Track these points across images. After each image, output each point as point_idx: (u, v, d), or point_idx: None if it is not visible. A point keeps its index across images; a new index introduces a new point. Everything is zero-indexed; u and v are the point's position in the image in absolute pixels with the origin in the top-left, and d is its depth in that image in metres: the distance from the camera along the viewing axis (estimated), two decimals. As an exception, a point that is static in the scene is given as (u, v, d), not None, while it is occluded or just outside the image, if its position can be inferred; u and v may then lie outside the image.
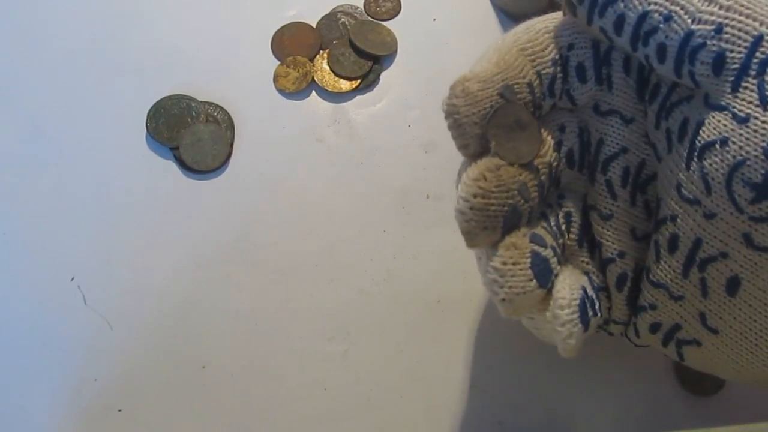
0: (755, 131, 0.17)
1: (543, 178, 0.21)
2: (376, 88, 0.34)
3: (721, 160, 0.18)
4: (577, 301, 0.20)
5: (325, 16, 0.35)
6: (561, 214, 0.22)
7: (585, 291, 0.21)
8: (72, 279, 0.29)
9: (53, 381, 0.28)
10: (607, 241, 0.22)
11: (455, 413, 0.28)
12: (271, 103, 0.33)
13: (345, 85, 0.34)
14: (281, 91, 0.34)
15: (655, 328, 0.22)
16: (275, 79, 0.34)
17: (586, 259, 0.23)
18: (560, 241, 0.22)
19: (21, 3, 0.35)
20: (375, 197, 0.31)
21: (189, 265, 0.30)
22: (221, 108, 0.33)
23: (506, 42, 0.21)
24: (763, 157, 0.17)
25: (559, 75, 0.21)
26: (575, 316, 0.20)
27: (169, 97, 0.33)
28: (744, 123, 0.18)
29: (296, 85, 0.33)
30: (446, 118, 0.20)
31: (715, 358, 0.21)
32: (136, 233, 0.30)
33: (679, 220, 0.20)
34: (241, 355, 0.28)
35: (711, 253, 0.19)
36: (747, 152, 0.17)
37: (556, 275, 0.21)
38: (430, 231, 0.31)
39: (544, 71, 0.21)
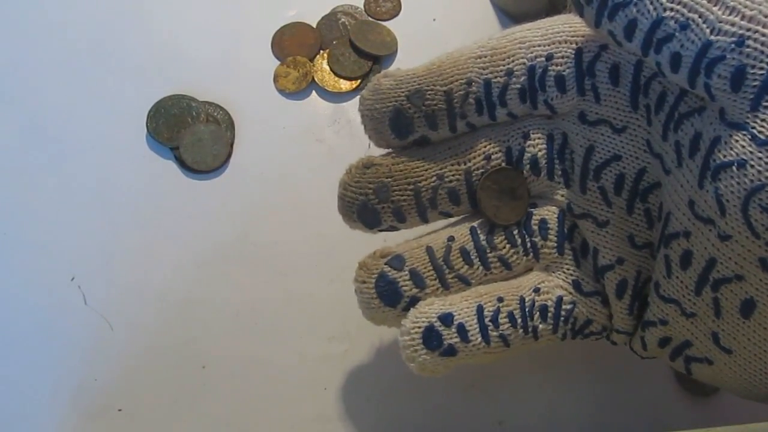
0: None
1: (453, 184, 0.22)
2: (376, 88, 0.34)
3: (738, 183, 0.17)
4: (420, 329, 0.21)
5: (325, 16, 0.35)
6: (534, 222, 0.22)
7: (446, 318, 0.21)
8: (72, 279, 0.29)
9: (53, 381, 0.28)
10: (604, 248, 0.22)
11: (455, 413, 0.28)
12: (271, 103, 0.33)
13: (345, 85, 0.34)
14: (281, 91, 0.34)
15: (664, 342, 0.21)
16: (275, 79, 0.34)
17: (571, 267, 0.22)
18: (491, 255, 0.22)
19: (21, 3, 0.35)
20: (375, 197, 0.31)
21: (189, 264, 0.30)
22: (221, 108, 0.33)
23: (464, 48, 0.21)
24: None
25: (516, 86, 0.21)
26: (415, 342, 0.21)
27: (169, 97, 0.33)
28: (764, 146, 0.17)
29: (296, 85, 0.33)
30: (358, 108, 0.22)
31: (726, 377, 0.21)
32: (136, 233, 0.30)
33: (692, 237, 0.19)
34: (241, 355, 0.28)
35: (725, 274, 0.19)
36: (767, 177, 0.17)
37: (412, 298, 0.22)
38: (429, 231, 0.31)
39: (493, 80, 0.21)
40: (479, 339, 0.21)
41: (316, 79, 0.34)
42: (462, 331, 0.21)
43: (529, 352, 0.23)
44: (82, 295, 0.29)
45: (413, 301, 0.22)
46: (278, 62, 0.34)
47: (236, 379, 0.28)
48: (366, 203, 0.22)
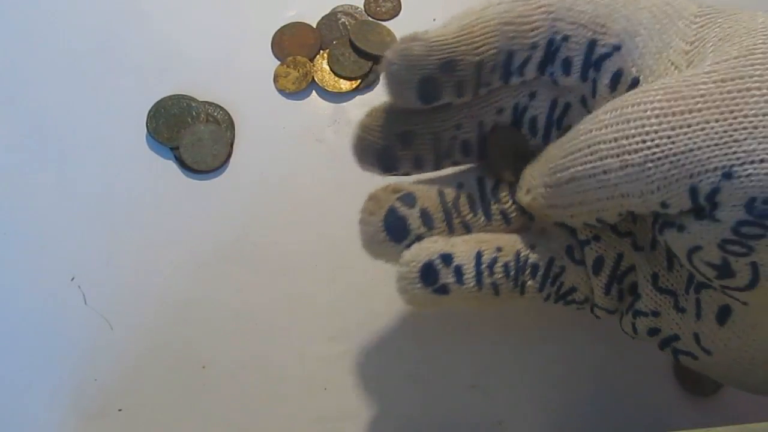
0: None
1: (468, 135, 0.22)
2: (376, 88, 0.34)
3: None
4: (419, 264, 0.21)
5: (325, 16, 0.35)
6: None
7: (447, 258, 0.21)
8: (72, 279, 0.29)
9: (53, 381, 0.28)
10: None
11: (455, 413, 0.28)
12: (271, 103, 0.33)
13: (345, 85, 0.34)
14: (281, 91, 0.34)
15: (653, 332, 0.22)
16: (275, 79, 0.34)
17: (566, 233, 0.23)
18: (490, 207, 0.23)
19: (21, 3, 0.35)
20: (375, 197, 0.31)
21: (189, 265, 0.30)
22: (221, 108, 0.33)
23: (492, 10, 0.20)
24: None
25: (537, 59, 0.21)
26: (413, 275, 0.21)
27: (169, 97, 0.33)
28: None
29: (296, 85, 0.33)
30: (380, 69, 0.21)
31: (709, 371, 0.21)
32: (136, 233, 0.30)
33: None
34: (241, 355, 0.28)
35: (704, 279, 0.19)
36: None
37: (418, 237, 0.22)
38: (430, 231, 0.31)
39: (518, 52, 0.21)
40: (473, 283, 0.22)
41: (316, 79, 0.34)
42: (458, 272, 0.21)
43: (512, 305, 0.23)
44: (82, 295, 0.29)
45: (418, 240, 0.22)
46: (278, 62, 0.34)
47: (236, 379, 0.28)
48: (388, 148, 0.22)
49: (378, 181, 0.31)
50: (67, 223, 0.30)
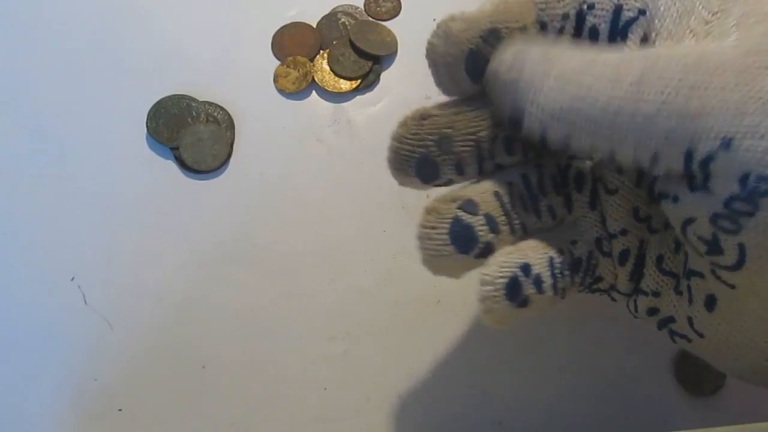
0: None
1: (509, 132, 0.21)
2: (376, 88, 0.34)
3: (727, 163, 0.17)
4: (505, 280, 0.20)
5: (325, 16, 0.35)
6: (571, 174, 0.22)
7: (526, 269, 0.21)
8: (72, 279, 0.29)
9: (53, 381, 0.28)
10: (611, 216, 0.22)
11: (455, 413, 0.28)
12: (271, 103, 0.33)
13: (345, 85, 0.34)
14: (281, 91, 0.34)
15: (652, 312, 0.22)
16: (275, 79, 0.34)
17: (598, 224, 0.22)
18: (539, 204, 0.22)
19: (21, 2, 0.35)
20: (375, 197, 0.31)
21: (189, 265, 0.30)
22: (221, 108, 0.33)
23: None
24: None
25: (569, 31, 0.21)
26: (498, 293, 0.20)
27: (169, 97, 0.33)
28: None
29: (296, 85, 0.33)
30: (426, 56, 0.20)
31: (704, 354, 0.21)
32: (136, 233, 0.30)
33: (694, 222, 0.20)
34: (241, 355, 0.28)
35: (695, 267, 0.19)
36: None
37: (486, 243, 0.21)
38: (430, 231, 0.31)
39: (551, 23, 0.20)
40: (551, 291, 0.21)
41: (316, 79, 0.34)
42: (538, 282, 0.21)
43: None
44: (82, 295, 0.29)
45: (487, 247, 0.21)
46: (278, 62, 0.34)
47: (236, 379, 0.28)
48: (427, 156, 0.21)
49: (378, 181, 0.31)
50: (67, 223, 0.30)
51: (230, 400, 0.28)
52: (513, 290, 0.20)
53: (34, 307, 0.29)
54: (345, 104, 0.33)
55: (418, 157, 0.21)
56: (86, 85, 0.33)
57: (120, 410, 0.27)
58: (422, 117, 0.21)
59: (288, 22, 0.35)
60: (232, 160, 0.32)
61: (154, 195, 0.31)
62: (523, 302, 0.21)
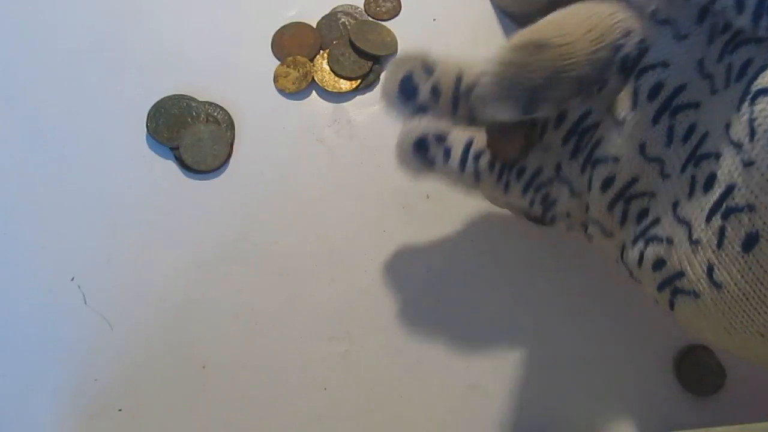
0: None
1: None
2: (376, 88, 0.34)
3: None
4: (417, 135, 0.25)
5: (325, 16, 0.35)
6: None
7: (440, 138, 0.25)
8: (72, 279, 0.29)
9: (53, 381, 0.28)
10: (609, 142, 0.22)
11: (455, 413, 0.28)
12: (271, 103, 0.33)
13: (345, 85, 0.34)
14: (281, 91, 0.34)
15: (658, 265, 0.22)
16: (275, 79, 0.34)
17: (565, 152, 0.24)
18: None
19: (21, 2, 0.35)
20: (375, 197, 0.31)
21: (189, 265, 0.30)
22: (221, 108, 0.33)
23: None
24: None
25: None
26: (408, 143, 0.25)
27: (169, 97, 0.33)
28: None
29: (296, 85, 0.33)
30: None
31: (707, 315, 0.21)
32: (136, 233, 0.30)
33: (721, 159, 0.20)
34: (241, 355, 0.28)
35: (739, 202, 0.19)
36: None
37: (423, 104, 0.25)
38: (430, 231, 0.31)
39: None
40: (456, 165, 0.25)
41: (316, 79, 0.34)
42: (447, 153, 0.25)
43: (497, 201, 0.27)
44: (82, 295, 0.29)
45: (422, 108, 0.25)
46: (278, 62, 0.34)
47: (236, 379, 0.28)
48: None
49: (378, 181, 0.32)
50: (67, 223, 0.30)
51: (230, 400, 0.28)
52: (420, 146, 0.25)
53: (34, 307, 0.29)
54: (345, 104, 0.33)
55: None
56: (86, 85, 0.33)
57: (120, 410, 0.27)
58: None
59: (288, 22, 0.35)
60: (232, 160, 0.32)
61: (154, 195, 0.31)
62: (428, 162, 0.25)
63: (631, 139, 0.22)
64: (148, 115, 0.32)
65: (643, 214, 0.22)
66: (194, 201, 0.31)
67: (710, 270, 0.20)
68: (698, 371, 0.28)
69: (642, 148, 0.22)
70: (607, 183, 0.22)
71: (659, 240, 0.21)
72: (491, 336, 0.29)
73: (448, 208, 0.31)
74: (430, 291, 0.29)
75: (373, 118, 0.33)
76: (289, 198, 0.31)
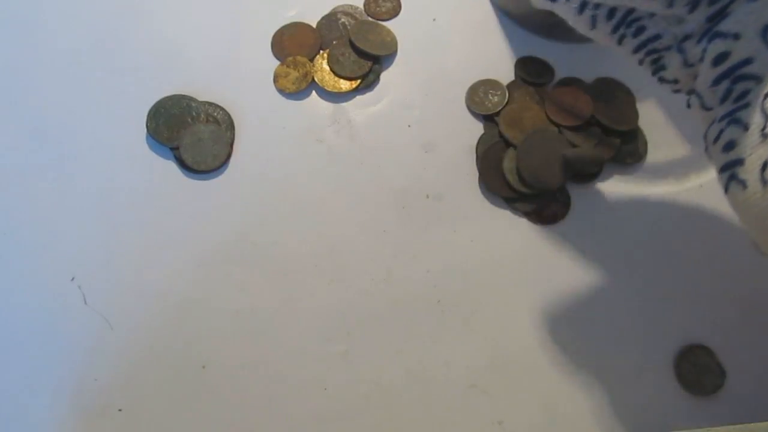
0: None
1: None
2: (376, 88, 0.34)
3: None
4: None
5: (325, 16, 0.35)
6: None
7: None
8: (72, 279, 0.29)
9: (53, 381, 0.28)
10: (736, 17, 0.22)
11: (455, 413, 0.28)
12: (271, 103, 0.33)
13: (345, 85, 0.34)
14: (281, 91, 0.34)
15: (728, 147, 0.22)
16: (275, 79, 0.34)
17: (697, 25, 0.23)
18: None
19: (21, 2, 0.35)
20: (375, 197, 0.31)
21: (189, 265, 0.30)
22: (221, 108, 0.33)
23: None
24: None
25: None
26: None
27: (169, 97, 0.33)
28: None
29: (296, 85, 0.33)
30: None
31: (749, 207, 0.21)
32: (136, 233, 0.30)
33: None
34: (241, 355, 0.28)
35: None
36: None
37: None
38: (430, 231, 0.31)
39: None
40: (577, 4, 0.25)
41: (316, 79, 0.34)
42: None
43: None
44: (82, 295, 0.29)
45: None
46: (278, 62, 0.34)
47: (236, 379, 0.28)
48: None
49: (378, 181, 0.32)
50: (67, 223, 0.30)
51: (230, 400, 0.28)
52: None
53: (34, 307, 0.29)
54: (345, 104, 0.33)
55: None
56: (86, 85, 0.33)
57: (120, 410, 0.27)
58: None
59: (288, 22, 0.35)
60: (232, 160, 0.32)
61: (154, 195, 0.31)
62: None
63: (759, 19, 0.22)
64: (148, 115, 0.32)
65: (742, 96, 0.22)
66: (194, 201, 0.31)
67: (764, 166, 0.20)
68: (698, 371, 0.28)
69: (765, 30, 0.22)
70: (720, 58, 0.22)
71: (739, 123, 0.22)
72: (491, 336, 0.29)
73: (448, 208, 0.31)
74: (430, 291, 0.29)
75: (373, 118, 0.33)
76: (289, 198, 0.31)
